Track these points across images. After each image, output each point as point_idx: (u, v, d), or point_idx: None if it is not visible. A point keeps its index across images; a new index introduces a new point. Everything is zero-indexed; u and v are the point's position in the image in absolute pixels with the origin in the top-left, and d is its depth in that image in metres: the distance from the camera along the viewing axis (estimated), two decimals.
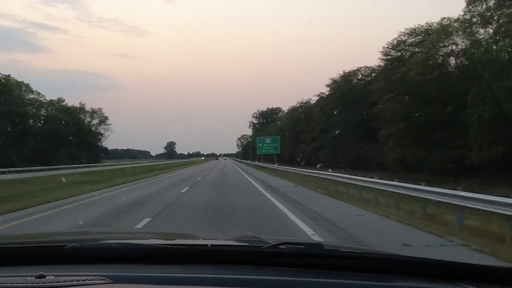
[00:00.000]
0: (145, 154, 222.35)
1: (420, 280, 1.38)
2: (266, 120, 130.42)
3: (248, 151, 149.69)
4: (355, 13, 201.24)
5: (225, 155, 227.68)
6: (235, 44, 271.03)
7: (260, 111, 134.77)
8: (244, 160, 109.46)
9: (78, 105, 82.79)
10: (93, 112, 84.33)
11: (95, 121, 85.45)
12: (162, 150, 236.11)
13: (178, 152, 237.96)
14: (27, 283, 1.30)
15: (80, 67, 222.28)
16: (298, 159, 53.76)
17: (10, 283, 1.31)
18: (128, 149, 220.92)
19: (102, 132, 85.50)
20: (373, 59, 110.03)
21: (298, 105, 78.37)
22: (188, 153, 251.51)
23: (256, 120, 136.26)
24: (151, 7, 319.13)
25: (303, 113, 66.72)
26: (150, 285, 1.32)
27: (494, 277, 1.42)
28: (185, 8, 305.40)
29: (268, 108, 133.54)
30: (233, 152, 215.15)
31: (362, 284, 1.33)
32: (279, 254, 1.51)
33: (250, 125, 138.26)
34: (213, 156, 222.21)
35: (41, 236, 2.87)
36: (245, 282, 1.33)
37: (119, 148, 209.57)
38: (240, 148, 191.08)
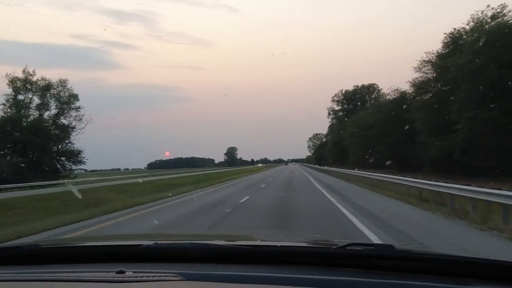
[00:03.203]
0: (208, 162, 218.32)
1: (501, 284, 1.28)
2: (354, 105, 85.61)
3: (323, 152, 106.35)
4: None
5: (293, 160, 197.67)
6: (301, 41, 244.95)
7: (344, 91, 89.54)
8: (328, 168, 64.36)
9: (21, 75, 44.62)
10: (47, 87, 45.23)
11: (53, 107, 46.77)
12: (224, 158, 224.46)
13: (243, 159, 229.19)
14: (108, 277, 1.39)
15: (150, 81, 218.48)
16: None
17: (94, 277, 1.41)
18: (192, 157, 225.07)
19: (68, 123, 46.72)
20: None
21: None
22: (252, 159, 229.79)
23: (337, 105, 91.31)
24: (217, 19, 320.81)
25: None
26: (220, 283, 1.34)
27: None
28: (248, 15, 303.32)
29: (356, 86, 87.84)
30: (303, 157, 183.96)
31: (435, 287, 1.25)
32: (349, 256, 1.48)
33: (329, 114, 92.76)
34: (280, 162, 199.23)
35: (119, 237, 2.86)
36: (314, 282, 1.32)
37: (183, 157, 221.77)
38: (312, 151, 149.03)
